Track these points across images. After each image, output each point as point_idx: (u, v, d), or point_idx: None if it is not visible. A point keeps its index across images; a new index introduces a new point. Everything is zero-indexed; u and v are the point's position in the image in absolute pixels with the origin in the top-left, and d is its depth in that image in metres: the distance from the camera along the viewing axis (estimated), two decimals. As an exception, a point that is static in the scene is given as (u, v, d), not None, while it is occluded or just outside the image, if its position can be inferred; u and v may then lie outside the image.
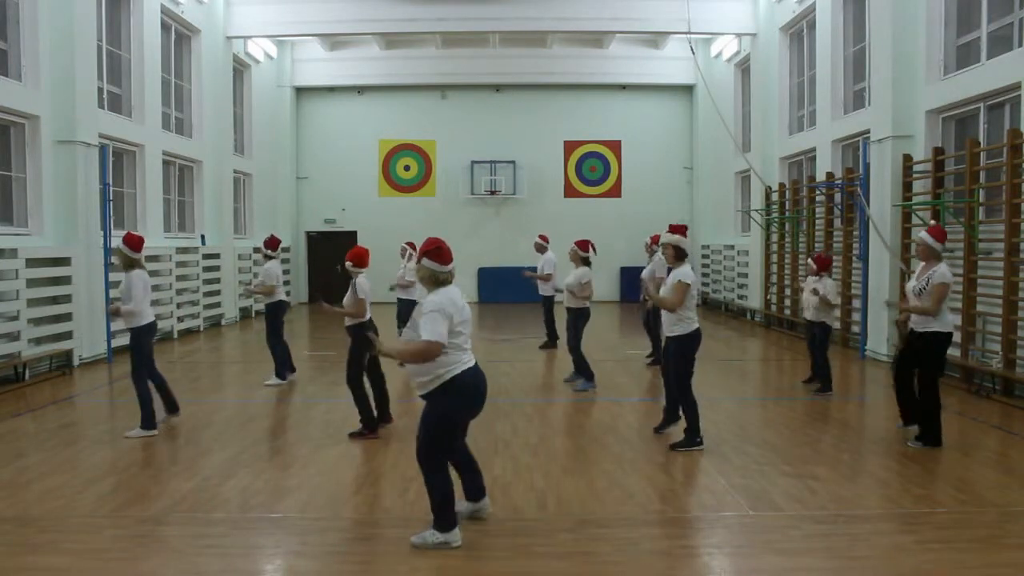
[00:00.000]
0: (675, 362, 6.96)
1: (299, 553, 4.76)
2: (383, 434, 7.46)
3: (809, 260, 9.50)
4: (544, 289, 12.77)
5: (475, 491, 5.15)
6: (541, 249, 13.09)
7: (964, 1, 10.95)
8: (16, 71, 11.31)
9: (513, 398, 9.22)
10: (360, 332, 7.34)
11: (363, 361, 7.47)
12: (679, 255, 6.94)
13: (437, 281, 4.72)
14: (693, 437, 6.91)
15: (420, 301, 5.11)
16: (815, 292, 9.21)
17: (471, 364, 4.69)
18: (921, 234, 7.12)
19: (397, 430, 7.50)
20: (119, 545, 4.90)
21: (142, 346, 7.55)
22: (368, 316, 7.50)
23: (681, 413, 7.11)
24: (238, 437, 7.55)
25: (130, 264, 7.46)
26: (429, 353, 4.47)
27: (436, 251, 4.71)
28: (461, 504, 5.04)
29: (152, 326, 7.64)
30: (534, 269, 13.17)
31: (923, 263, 7.08)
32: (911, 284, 7.08)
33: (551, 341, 13.27)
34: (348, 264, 7.61)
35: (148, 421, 7.52)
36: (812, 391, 9.43)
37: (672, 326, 6.89)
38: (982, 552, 4.71)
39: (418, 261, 4.76)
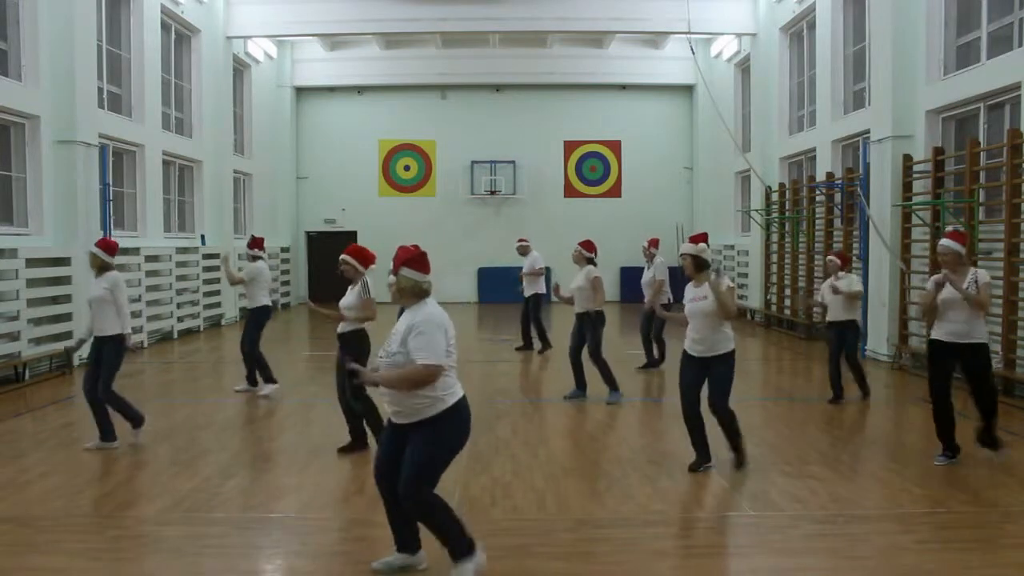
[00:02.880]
0: (723, 381, 6.22)
1: (299, 553, 4.77)
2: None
3: (830, 258, 9.02)
4: (529, 289, 12.75)
5: (412, 540, 4.40)
6: (525, 251, 13.19)
7: (964, 1, 10.95)
8: (16, 71, 11.31)
9: (513, 398, 9.21)
10: (352, 340, 6.87)
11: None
12: (699, 265, 6.25)
13: (419, 293, 4.20)
14: (741, 455, 6.35)
15: None
16: (836, 291, 8.64)
17: (461, 392, 4.20)
18: (946, 242, 6.37)
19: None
20: (119, 545, 4.90)
21: (118, 355, 7.06)
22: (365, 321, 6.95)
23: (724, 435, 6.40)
24: (238, 437, 7.55)
25: (102, 268, 7.04)
26: (428, 379, 3.97)
27: (419, 259, 4.23)
28: (393, 557, 4.40)
29: (125, 334, 7.06)
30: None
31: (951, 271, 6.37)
32: (946, 295, 6.27)
33: (527, 344, 12.98)
34: (347, 259, 6.84)
35: (135, 421, 7.15)
36: (860, 401, 8.85)
37: (717, 344, 6.15)
38: (982, 552, 4.71)
39: (395, 272, 4.22)
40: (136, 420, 7.22)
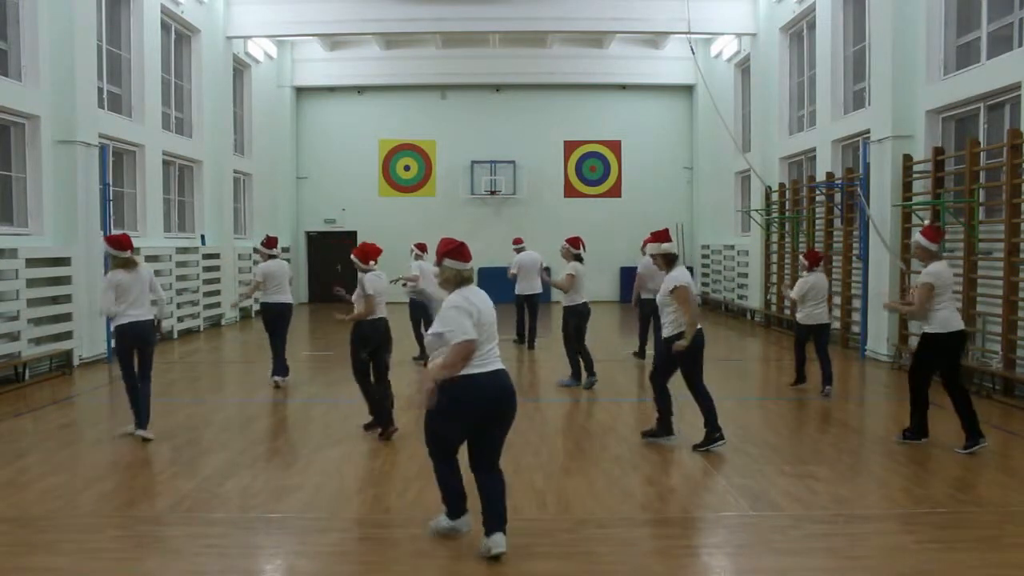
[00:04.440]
0: (662, 362, 7.06)
1: (299, 553, 4.76)
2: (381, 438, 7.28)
3: (800, 257, 9.57)
4: (517, 288, 13.03)
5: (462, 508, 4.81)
6: (519, 252, 13.49)
7: (964, 1, 10.95)
8: (16, 71, 11.31)
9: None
10: (359, 328, 7.32)
11: (361, 354, 7.33)
12: (668, 261, 6.90)
13: (460, 281, 4.66)
14: (712, 433, 6.82)
15: (433, 299, 5.02)
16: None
17: (479, 371, 4.48)
18: (915, 236, 7.04)
19: (398, 430, 7.49)
20: (119, 545, 4.90)
21: (117, 348, 7.34)
22: (379, 314, 7.32)
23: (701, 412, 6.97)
24: (238, 437, 7.55)
25: (116, 264, 7.24)
26: (464, 354, 4.40)
27: (457, 250, 4.66)
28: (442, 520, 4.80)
29: (124, 328, 7.18)
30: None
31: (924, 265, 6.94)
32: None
33: (520, 340, 13.46)
34: (353, 260, 7.37)
35: (138, 417, 7.30)
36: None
37: (666, 328, 6.83)
38: (982, 552, 4.71)
39: (439, 263, 4.69)
40: (138, 418, 7.30)
